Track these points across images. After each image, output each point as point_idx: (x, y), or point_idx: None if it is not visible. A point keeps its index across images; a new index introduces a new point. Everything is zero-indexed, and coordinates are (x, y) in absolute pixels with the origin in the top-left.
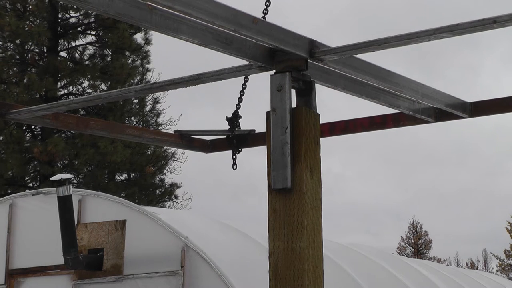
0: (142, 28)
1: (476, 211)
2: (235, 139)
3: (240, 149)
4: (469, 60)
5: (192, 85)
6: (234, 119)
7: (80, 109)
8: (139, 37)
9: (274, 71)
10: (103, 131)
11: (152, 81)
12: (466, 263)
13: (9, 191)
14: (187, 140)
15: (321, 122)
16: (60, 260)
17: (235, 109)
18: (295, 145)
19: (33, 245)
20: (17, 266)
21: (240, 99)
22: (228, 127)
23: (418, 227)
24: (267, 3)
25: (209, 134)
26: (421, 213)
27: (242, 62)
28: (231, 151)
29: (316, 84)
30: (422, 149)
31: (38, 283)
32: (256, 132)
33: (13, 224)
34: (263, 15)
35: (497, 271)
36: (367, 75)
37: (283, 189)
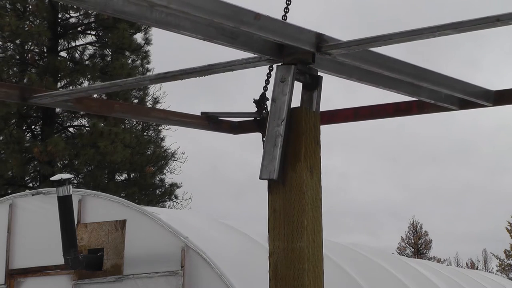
0: (142, 28)
1: (476, 210)
2: (262, 121)
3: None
4: (470, 54)
5: (204, 75)
6: (261, 101)
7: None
8: (139, 37)
9: (282, 63)
10: (127, 114)
11: None
12: (466, 263)
13: (9, 191)
14: (214, 122)
15: (344, 108)
16: (60, 260)
17: (263, 91)
18: (295, 145)
19: (33, 245)
20: (17, 266)
21: (267, 81)
22: (256, 109)
23: (418, 227)
24: (287, 2)
25: (236, 116)
26: (421, 213)
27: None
28: (260, 133)
29: (326, 76)
30: (422, 148)
31: (38, 283)
32: None
33: (13, 224)
34: (284, 13)
35: (497, 271)
36: (380, 68)
37: (270, 180)
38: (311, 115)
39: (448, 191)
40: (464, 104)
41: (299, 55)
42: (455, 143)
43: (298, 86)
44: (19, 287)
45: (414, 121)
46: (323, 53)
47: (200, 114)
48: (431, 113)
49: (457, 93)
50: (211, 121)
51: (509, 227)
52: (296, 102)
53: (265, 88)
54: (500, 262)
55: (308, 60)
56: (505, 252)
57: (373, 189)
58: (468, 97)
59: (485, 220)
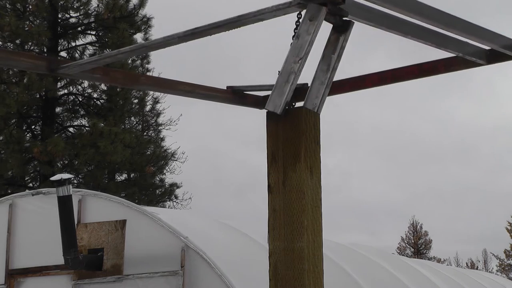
0: (142, 28)
1: (476, 210)
2: None
3: (294, 104)
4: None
5: (233, 28)
6: None
7: (80, 109)
8: (139, 37)
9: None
10: (153, 87)
11: None
12: (466, 263)
13: (9, 191)
14: (240, 96)
15: (369, 73)
16: (60, 260)
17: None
18: (295, 145)
19: (33, 245)
20: (17, 266)
21: None
22: None
23: (418, 227)
24: None
25: (262, 89)
26: (421, 213)
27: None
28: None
29: (356, 28)
30: (422, 147)
31: (38, 283)
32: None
33: (13, 224)
34: None
35: (497, 271)
36: (409, 12)
37: (272, 113)
38: (311, 115)
39: (448, 191)
40: (492, 58)
41: None
42: (455, 143)
43: (323, 33)
44: (19, 287)
45: (414, 120)
46: None
47: (226, 88)
48: (459, 70)
49: (487, 44)
50: (237, 95)
51: (509, 227)
52: (318, 47)
53: None
54: (500, 262)
55: (338, 0)
56: (505, 252)
57: (373, 189)
58: (497, 47)
59: (485, 220)
